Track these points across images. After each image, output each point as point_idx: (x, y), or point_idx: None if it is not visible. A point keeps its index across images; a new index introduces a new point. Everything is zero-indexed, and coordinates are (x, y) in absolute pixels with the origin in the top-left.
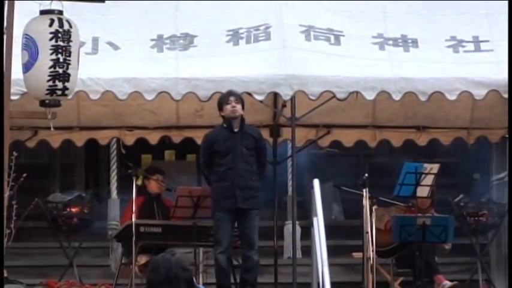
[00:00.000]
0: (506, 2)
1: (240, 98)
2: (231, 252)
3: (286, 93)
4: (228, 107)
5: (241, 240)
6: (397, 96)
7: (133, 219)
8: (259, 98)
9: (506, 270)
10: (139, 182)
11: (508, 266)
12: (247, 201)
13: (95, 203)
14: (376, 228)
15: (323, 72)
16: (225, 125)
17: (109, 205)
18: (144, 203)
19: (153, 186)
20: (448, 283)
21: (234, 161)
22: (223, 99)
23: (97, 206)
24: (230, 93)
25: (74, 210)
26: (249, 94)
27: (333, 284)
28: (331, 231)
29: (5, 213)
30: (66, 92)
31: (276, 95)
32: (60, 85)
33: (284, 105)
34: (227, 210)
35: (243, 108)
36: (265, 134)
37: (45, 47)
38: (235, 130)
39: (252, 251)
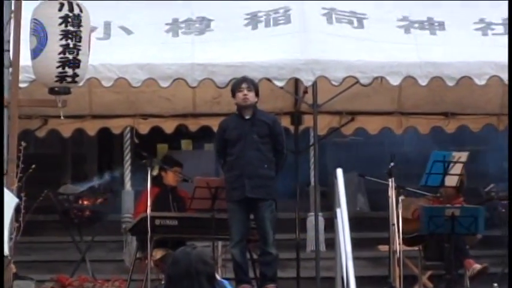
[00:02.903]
0: None
1: (253, 85)
2: (245, 245)
3: (307, 79)
4: (240, 95)
5: (258, 233)
6: (423, 82)
7: (148, 212)
8: (279, 84)
9: None
10: (155, 173)
11: (508, 266)
12: (257, 190)
13: (108, 195)
14: (402, 218)
15: (346, 56)
16: (237, 112)
17: (123, 197)
18: (159, 194)
19: (171, 178)
20: (478, 266)
21: (243, 149)
22: (235, 86)
23: (110, 197)
24: (243, 79)
25: (86, 202)
26: (269, 80)
27: (357, 278)
28: (355, 223)
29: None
30: (77, 79)
31: (296, 81)
32: (70, 72)
33: (305, 92)
34: (238, 201)
35: (257, 95)
36: (286, 121)
37: (54, 32)
38: (246, 117)
39: (267, 245)
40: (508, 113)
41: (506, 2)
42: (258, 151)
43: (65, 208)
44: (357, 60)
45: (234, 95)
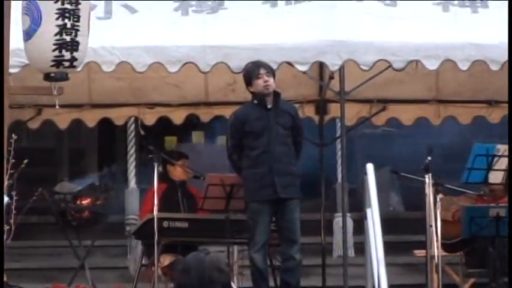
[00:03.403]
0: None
1: (271, 70)
2: (268, 250)
3: (333, 63)
4: (260, 82)
5: (281, 236)
6: (464, 66)
7: (155, 213)
8: (302, 68)
9: None
10: (160, 168)
11: (508, 266)
12: (288, 189)
13: (110, 194)
14: (442, 220)
15: (377, 37)
16: (255, 102)
17: (126, 196)
18: (166, 191)
19: (179, 172)
20: None
21: (269, 142)
22: (251, 73)
23: (113, 197)
24: (259, 64)
25: (85, 202)
26: (290, 64)
27: (391, 287)
28: (388, 224)
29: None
30: (75, 63)
31: (321, 65)
32: (67, 55)
33: (331, 77)
34: (265, 202)
35: (274, 80)
36: (310, 110)
37: (49, 10)
38: (269, 107)
39: (294, 249)
40: (508, 112)
41: None
42: (285, 145)
43: (61, 209)
44: (390, 42)
45: (250, 83)
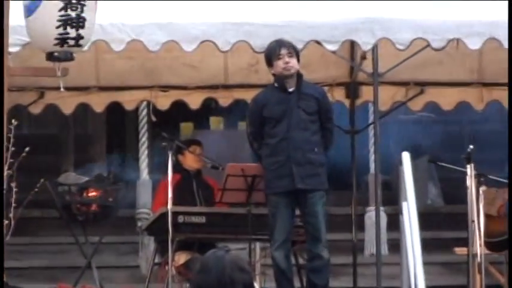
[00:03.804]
0: None
1: (293, 49)
2: (290, 248)
3: (366, 42)
4: (280, 64)
5: (305, 232)
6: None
7: (169, 206)
8: (331, 47)
9: None
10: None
11: (508, 265)
12: (308, 179)
13: (120, 185)
14: (485, 215)
15: (414, 14)
16: (276, 84)
17: (138, 188)
18: (180, 182)
19: (190, 160)
20: None
21: (289, 129)
22: (272, 53)
23: (122, 189)
24: (280, 44)
25: (92, 194)
26: (318, 43)
27: None
28: (426, 219)
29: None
30: (81, 41)
31: (353, 44)
32: (72, 32)
33: (364, 57)
34: (283, 193)
35: (298, 61)
36: (340, 94)
37: None
38: (290, 90)
39: (319, 246)
40: (508, 109)
41: None
42: (306, 131)
43: (65, 202)
44: (428, 19)
45: (270, 63)
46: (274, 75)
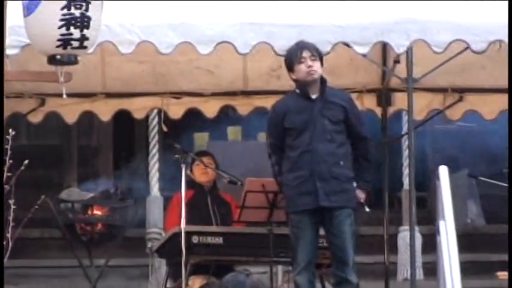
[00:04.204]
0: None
1: (317, 52)
2: (315, 271)
3: (400, 44)
4: (302, 68)
5: (331, 255)
6: None
7: (182, 225)
8: (361, 50)
9: None
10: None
11: (508, 265)
12: (334, 196)
13: (128, 203)
14: None
15: (452, 14)
16: (298, 91)
17: (148, 205)
18: (193, 198)
19: (198, 173)
20: None
21: (312, 140)
22: (293, 56)
23: (131, 206)
24: (302, 46)
25: (97, 212)
26: (347, 45)
27: None
28: (466, 240)
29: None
30: (86, 43)
31: (385, 47)
32: (76, 33)
33: (397, 61)
34: (306, 212)
35: (321, 65)
36: (371, 101)
37: None
38: (313, 97)
39: (346, 270)
40: (508, 108)
41: None
42: (331, 143)
43: (68, 220)
44: (468, 19)
45: (291, 68)
46: (295, 80)
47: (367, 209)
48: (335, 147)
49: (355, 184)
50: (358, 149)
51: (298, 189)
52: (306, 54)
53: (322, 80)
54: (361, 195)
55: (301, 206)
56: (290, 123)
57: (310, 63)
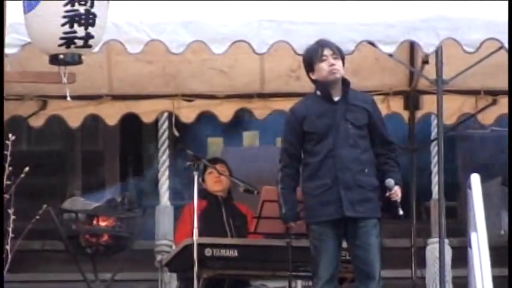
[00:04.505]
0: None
1: (338, 50)
2: (337, 286)
3: (428, 43)
4: (324, 66)
5: (355, 268)
6: None
7: (194, 237)
8: (387, 50)
9: None
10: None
11: (508, 265)
12: (358, 206)
13: (136, 213)
14: None
15: (485, 11)
16: (318, 93)
17: (157, 215)
18: (207, 209)
19: (211, 181)
20: None
21: (335, 146)
22: (313, 55)
23: (139, 216)
24: (322, 44)
25: (103, 223)
26: (372, 44)
27: None
28: (499, 254)
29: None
30: (91, 41)
31: (413, 46)
32: (81, 31)
33: (426, 61)
34: (328, 223)
35: (343, 64)
36: (397, 105)
37: None
38: (336, 99)
39: (371, 285)
40: (508, 110)
41: None
42: (355, 148)
43: (72, 232)
44: (501, 17)
45: (311, 68)
46: (315, 82)
47: (401, 212)
48: (359, 153)
49: (392, 182)
50: (387, 153)
51: (320, 199)
52: (327, 52)
53: (344, 82)
54: (398, 192)
55: (324, 217)
56: (311, 127)
57: (332, 61)
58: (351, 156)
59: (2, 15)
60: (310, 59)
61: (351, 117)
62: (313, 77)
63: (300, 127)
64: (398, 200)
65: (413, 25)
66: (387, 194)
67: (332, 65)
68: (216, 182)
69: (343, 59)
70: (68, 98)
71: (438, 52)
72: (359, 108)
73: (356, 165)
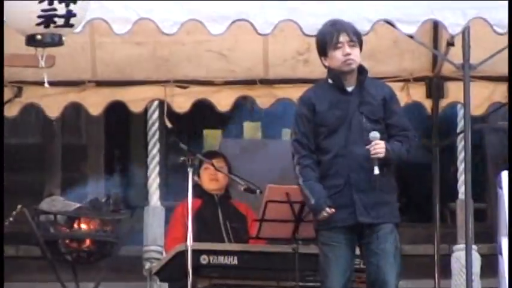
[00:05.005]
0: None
1: (356, 36)
2: None
3: (454, 23)
4: (338, 55)
5: (367, 277)
6: None
7: (188, 242)
8: (407, 30)
9: None
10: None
11: (508, 265)
12: (374, 210)
13: (123, 214)
14: None
15: None
16: (330, 81)
17: (146, 218)
18: (200, 210)
19: (207, 178)
20: None
21: (348, 142)
22: (327, 40)
23: (126, 219)
24: (339, 27)
25: (85, 226)
26: (390, 24)
27: None
28: None
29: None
30: (72, 20)
31: (436, 27)
32: (61, 8)
33: (451, 44)
34: (340, 228)
35: (361, 50)
36: (419, 93)
37: None
38: (349, 89)
39: None
40: (508, 112)
41: None
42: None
43: (50, 236)
44: None
45: (324, 53)
46: (328, 68)
47: (377, 171)
48: None
49: (377, 134)
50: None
51: (331, 201)
52: (343, 38)
53: (361, 70)
54: (379, 147)
55: (335, 222)
56: (322, 118)
57: (348, 49)
58: (365, 154)
59: (2, 15)
60: (324, 43)
61: (365, 110)
62: (325, 63)
63: (310, 118)
64: (377, 156)
65: (437, 3)
66: (367, 147)
67: (347, 54)
68: (212, 179)
69: (361, 45)
70: (46, 84)
71: (465, 33)
72: (375, 99)
73: (370, 165)
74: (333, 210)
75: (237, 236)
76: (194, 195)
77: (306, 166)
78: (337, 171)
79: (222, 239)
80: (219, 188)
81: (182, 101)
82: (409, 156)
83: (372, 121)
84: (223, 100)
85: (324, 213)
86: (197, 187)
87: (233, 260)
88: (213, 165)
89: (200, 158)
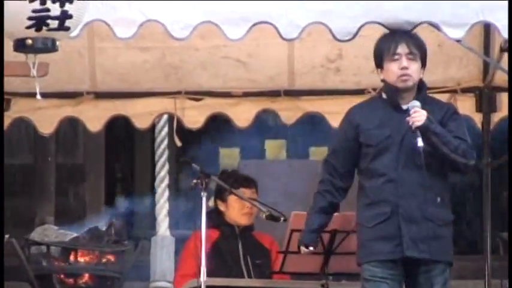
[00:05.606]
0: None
1: (418, 48)
2: None
3: (508, 26)
4: (394, 69)
5: None
6: None
7: (202, 278)
8: (454, 34)
9: None
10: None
11: (508, 266)
12: (424, 244)
13: (126, 245)
14: None
15: None
16: (384, 96)
17: (153, 249)
18: (218, 242)
19: (236, 211)
20: None
21: (398, 165)
22: (384, 50)
23: (130, 250)
24: (399, 37)
25: (83, 259)
26: (435, 27)
27: None
28: None
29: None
30: (68, 22)
31: (488, 30)
32: (55, 9)
33: (505, 50)
34: (386, 263)
35: (423, 65)
36: (467, 105)
37: None
38: (405, 107)
39: None
40: (508, 115)
41: None
42: (424, 170)
43: (42, 270)
44: None
45: (380, 64)
46: (384, 82)
47: (420, 142)
48: (429, 176)
49: (417, 102)
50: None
51: (375, 232)
52: (401, 50)
53: (420, 86)
54: (418, 115)
55: (379, 255)
56: (368, 137)
57: (405, 63)
58: (418, 180)
59: (2, 15)
60: (380, 54)
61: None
62: (380, 76)
63: (355, 136)
64: (416, 125)
65: (489, 3)
66: (406, 119)
67: (404, 68)
68: (246, 213)
69: (423, 59)
70: (38, 96)
71: None
72: (434, 118)
73: (424, 192)
74: (307, 250)
75: (258, 273)
76: (210, 225)
77: (319, 192)
78: (385, 197)
79: (242, 274)
80: (250, 223)
81: (195, 116)
82: (463, 169)
83: (428, 143)
84: (242, 114)
85: (303, 249)
86: (214, 214)
87: None
88: (250, 202)
89: (217, 181)
